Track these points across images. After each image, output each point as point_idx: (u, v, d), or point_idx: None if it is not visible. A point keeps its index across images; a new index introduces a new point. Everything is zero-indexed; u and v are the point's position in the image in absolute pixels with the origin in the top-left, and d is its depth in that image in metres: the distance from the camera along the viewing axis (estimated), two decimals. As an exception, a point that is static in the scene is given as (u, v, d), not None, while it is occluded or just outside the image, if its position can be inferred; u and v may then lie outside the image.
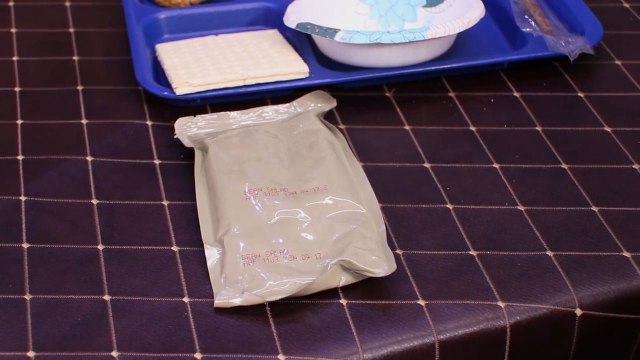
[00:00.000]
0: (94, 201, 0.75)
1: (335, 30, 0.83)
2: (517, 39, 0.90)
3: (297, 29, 0.85)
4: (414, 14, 0.92)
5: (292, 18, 0.86)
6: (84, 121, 0.83)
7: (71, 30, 0.94)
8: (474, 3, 0.88)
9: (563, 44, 0.87)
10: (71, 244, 0.71)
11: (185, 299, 0.67)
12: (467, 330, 0.65)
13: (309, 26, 0.84)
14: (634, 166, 0.78)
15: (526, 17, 0.91)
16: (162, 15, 0.93)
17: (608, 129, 0.82)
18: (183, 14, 0.93)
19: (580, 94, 0.86)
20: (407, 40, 0.83)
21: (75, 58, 0.91)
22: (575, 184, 0.77)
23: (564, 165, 0.79)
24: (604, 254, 0.70)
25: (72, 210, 0.74)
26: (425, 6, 0.91)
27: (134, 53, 0.87)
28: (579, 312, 0.67)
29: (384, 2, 0.92)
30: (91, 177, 0.77)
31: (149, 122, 0.83)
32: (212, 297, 0.67)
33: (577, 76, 0.88)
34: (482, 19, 0.91)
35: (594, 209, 0.74)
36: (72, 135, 0.82)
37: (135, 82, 0.85)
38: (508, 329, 0.66)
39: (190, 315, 0.66)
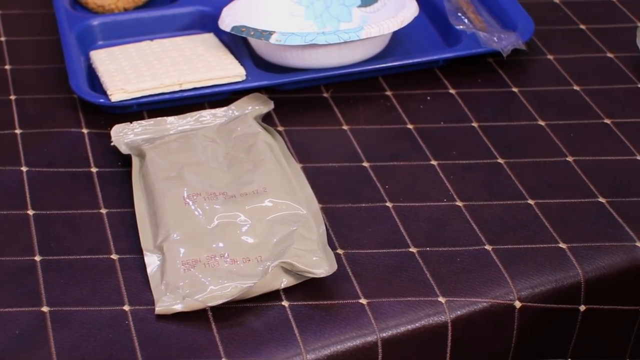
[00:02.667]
0: (30, 212, 0.74)
1: (271, 33, 0.83)
2: (451, 36, 0.91)
3: (232, 32, 0.85)
4: (349, 15, 0.92)
5: (227, 21, 0.86)
6: (17, 131, 0.82)
7: (2, 39, 0.93)
8: (408, 2, 0.88)
9: (496, 41, 0.88)
10: (7, 256, 0.70)
11: (126, 307, 0.66)
12: (409, 327, 0.66)
13: (243, 29, 0.84)
14: (567, 159, 0.80)
15: (459, 14, 0.92)
16: (96, 21, 0.92)
17: (542, 123, 0.84)
18: (117, 20, 0.92)
19: (515, 89, 0.87)
20: (342, 41, 0.83)
21: (7, 67, 0.89)
22: (511, 178, 0.78)
23: (500, 160, 0.80)
24: (541, 246, 0.71)
25: (8, 221, 0.73)
26: (360, 6, 0.92)
27: (68, 61, 0.86)
28: (517, 304, 0.68)
29: (319, 3, 0.92)
30: (27, 187, 0.76)
31: (85, 130, 0.82)
32: (153, 304, 0.67)
33: (511, 72, 0.89)
34: (415, 18, 0.91)
35: (530, 202, 0.75)
36: (6, 146, 0.80)
37: (70, 90, 0.84)
38: (449, 324, 0.66)
39: (131, 323, 0.65)
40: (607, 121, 0.84)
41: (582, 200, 0.75)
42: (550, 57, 0.91)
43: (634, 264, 0.70)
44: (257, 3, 0.91)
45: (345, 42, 0.84)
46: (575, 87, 0.88)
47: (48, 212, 0.74)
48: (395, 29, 0.85)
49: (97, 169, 0.79)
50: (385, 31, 0.84)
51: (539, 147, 0.81)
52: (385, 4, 0.91)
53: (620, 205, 0.75)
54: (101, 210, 0.75)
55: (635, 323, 0.72)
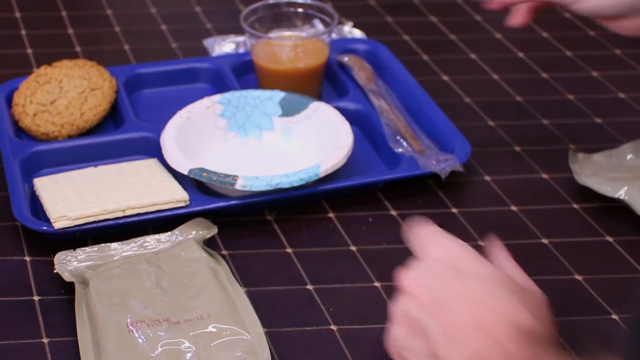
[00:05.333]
0: (-30, 343, 0.73)
1: (234, 177, 0.85)
2: (391, 159, 0.93)
3: (191, 176, 0.86)
4: (270, 123, 0.96)
5: (182, 163, 0.87)
6: (-41, 260, 0.82)
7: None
8: (340, 124, 0.92)
9: (434, 163, 0.90)
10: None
11: None
12: None
13: (204, 174, 0.85)
14: (508, 278, 0.81)
15: (398, 138, 0.94)
16: (40, 149, 0.92)
17: (482, 243, 0.85)
18: (61, 147, 0.93)
19: (454, 210, 0.89)
20: (304, 182, 0.85)
21: (-51, 196, 0.89)
22: (453, 298, 0.79)
23: (442, 281, 0.81)
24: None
25: (-53, 354, 0.72)
26: (281, 115, 0.95)
27: (11, 188, 0.86)
28: None
29: (240, 114, 0.95)
30: (-33, 318, 0.75)
31: (27, 258, 0.82)
32: None
33: (450, 193, 0.91)
34: (356, 141, 0.94)
35: (473, 322, 0.76)
36: (-54, 276, 0.80)
37: (12, 217, 0.84)
38: None
39: None
40: (545, 241, 0.86)
41: (523, 319, 0.76)
42: (487, 178, 0.94)
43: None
44: (187, 123, 0.92)
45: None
46: (513, 208, 0.90)
47: (-12, 343, 0.73)
48: (345, 160, 0.89)
49: (39, 297, 0.78)
50: (338, 165, 0.88)
51: (479, 267, 0.82)
52: (309, 117, 0.94)
53: (561, 325, 0.76)
54: (43, 340, 0.74)
55: None
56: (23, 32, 1.16)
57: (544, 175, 0.94)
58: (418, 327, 0.60)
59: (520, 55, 1.14)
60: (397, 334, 0.61)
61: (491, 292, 0.60)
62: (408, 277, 0.62)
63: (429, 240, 0.64)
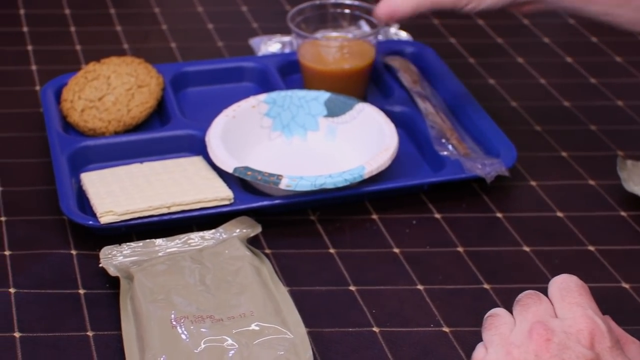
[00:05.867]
0: (17, 334, 0.74)
1: (279, 177, 0.85)
2: (435, 161, 0.93)
3: (236, 175, 0.87)
4: (315, 124, 0.95)
5: (227, 161, 0.87)
6: (7, 253, 0.82)
7: (-6, 161, 0.94)
8: (385, 125, 0.91)
9: (480, 167, 0.90)
10: (-9, 380, 0.70)
11: None
12: None
13: (249, 173, 0.86)
14: (552, 284, 0.80)
15: (443, 141, 0.94)
16: (87, 144, 0.93)
17: (526, 249, 0.85)
18: (108, 143, 0.94)
19: (499, 214, 0.89)
20: (348, 183, 0.85)
21: (-2, 189, 0.91)
22: (497, 304, 0.78)
23: (485, 286, 0.80)
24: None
25: (-6, 345, 0.73)
26: (326, 116, 0.95)
27: (58, 183, 0.87)
28: None
29: (285, 114, 0.95)
30: (14, 309, 0.76)
31: (73, 252, 0.83)
32: None
33: (495, 197, 0.91)
34: (400, 143, 0.94)
35: (517, 328, 0.76)
36: (-6, 268, 0.81)
37: (59, 211, 0.85)
38: None
39: None
40: (591, 248, 0.85)
41: (568, 326, 0.76)
42: (532, 183, 0.93)
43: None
44: (232, 122, 0.93)
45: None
46: (559, 214, 0.89)
47: (35, 335, 0.74)
48: (389, 162, 0.88)
49: (84, 291, 0.79)
50: (383, 167, 0.88)
51: (524, 273, 0.82)
52: (354, 118, 0.94)
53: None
54: (88, 333, 0.74)
55: None
56: (72, 28, 1.17)
57: (591, 182, 0.93)
58: None
59: (569, 59, 1.13)
60: None
61: None
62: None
63: (534, 318, 0.58)
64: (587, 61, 1.12)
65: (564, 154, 0.97)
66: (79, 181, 0.90)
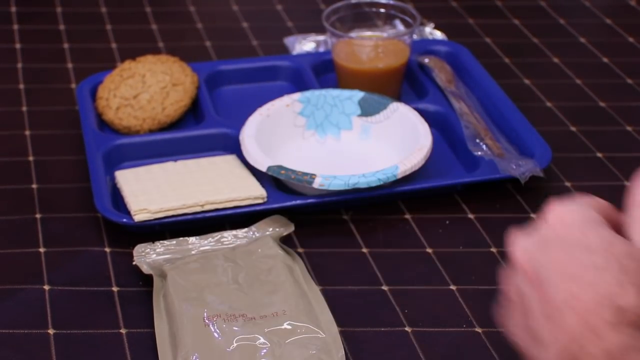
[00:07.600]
0: (51, 331, 0.75)
1: (312, 176, 0.85)
2: (469, 161, 0.93)
3: (269, 173, 0.87)
4: (349, 123, 0.95)
5: (261, 160, 0.88)
6: (42, 250, 0.83)
7: (30, 158, 0.95)
8: (419, 125, 0.91)
9: (514, 167, 0.89)
10: (26, 375, 0.70)
11: None
12: None
13: (283, 172, 0.86)
14: (587, 286, 0.80)
15: (477, 141, 0.93)
16: (122, 142, 0.94)
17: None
18: (142, 141, 0.95)
19: (533, 215, 0.88)
20: (381, 183, 0.85)
21: (34, 186, 0.91)
22: (530, 305, 0.78)
23: (519, 287, 0.80)
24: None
25: (28, 341, 0.73)
26: (360, 115, 0.95)
27: (93, 180, 0.88)
28: None
29: (319, 112, 0.95)
30: (48, 306, 0.77)
31: (107, 249, 0.83)
32: None
33: (529, 198, 0.90)
34: (434, 143, 0.93)
35: (550, 330, 0.75)
36: (29, 264, 0.81)
37: (94, 209, 0.86)
38: None
39: None
40: (626, 249, 0.84)
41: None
42: (567, 184, 0.92)
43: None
44: (266, 121, 0.93)
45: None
46: (593, 215, 0.88)
47: (68, 332, 0.74)
48: (423, 162, 0.88)
49: (118, 288, 0.79)
50: (416, 167, 0.87)
51: (558, 274, 0.81)
52: (388, 117, 0.94)
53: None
54: (121, 330, 0.75)
55: None
56: (108, 27, 1.18)
57: (627, 183, 0.92)
58: (523, 301, 0.55)
59: (605, 60, 1.12)
60: (507, 303, 0.58)
61: (596, 266, 0.52)
62: (517, 247, 0.56)
63: (551, 207, 0.59)
64: (623, 61, 1.11)
65: (599, 154, 0.96)
66: (113, 179, 0.90)
